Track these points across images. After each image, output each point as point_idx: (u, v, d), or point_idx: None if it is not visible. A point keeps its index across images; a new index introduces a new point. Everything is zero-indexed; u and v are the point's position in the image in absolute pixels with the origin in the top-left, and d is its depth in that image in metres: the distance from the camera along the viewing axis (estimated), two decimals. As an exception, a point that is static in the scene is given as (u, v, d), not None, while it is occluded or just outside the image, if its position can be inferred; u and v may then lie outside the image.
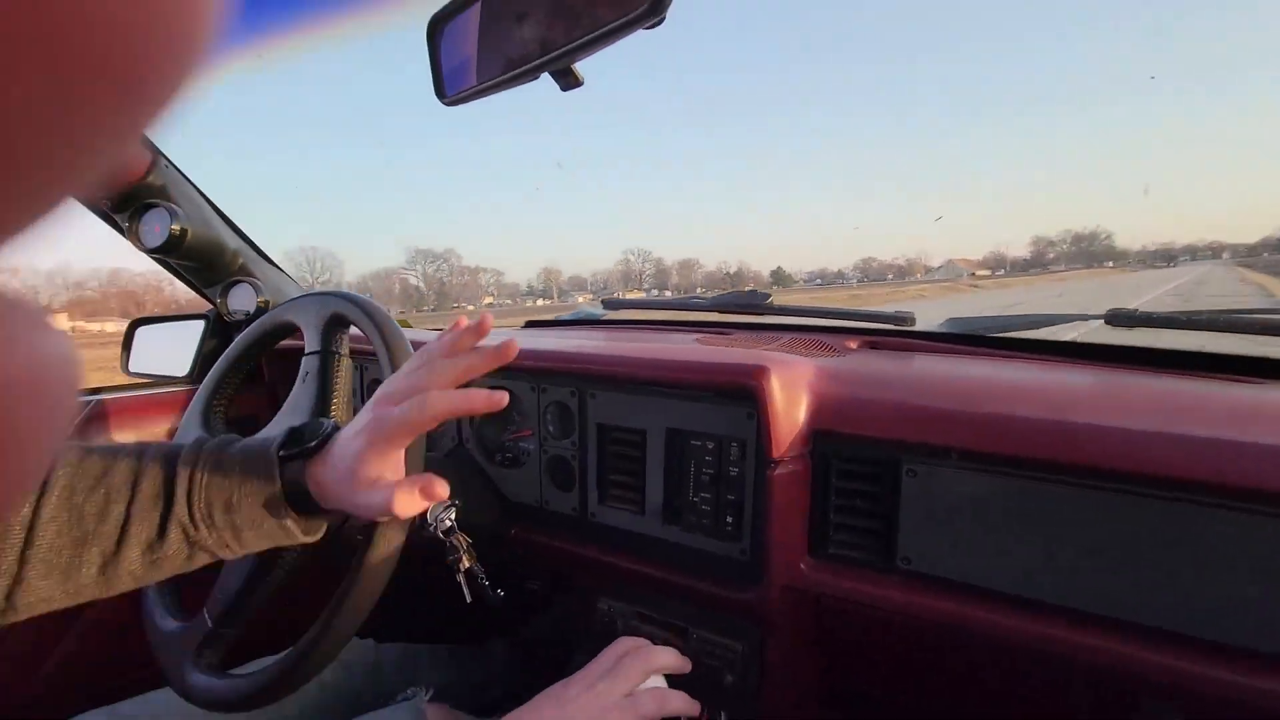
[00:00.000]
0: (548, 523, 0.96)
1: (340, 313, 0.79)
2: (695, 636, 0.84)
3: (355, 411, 0.73)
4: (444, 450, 1.07)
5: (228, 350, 0.85)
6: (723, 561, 0.80)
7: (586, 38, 0.45)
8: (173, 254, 1.02)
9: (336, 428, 0.59)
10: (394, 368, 0.69)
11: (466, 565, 0.88)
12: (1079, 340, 0.88)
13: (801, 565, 0.72)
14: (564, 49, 0.47)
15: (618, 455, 0.89)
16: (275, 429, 0.73)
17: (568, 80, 0.50)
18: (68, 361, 0.15)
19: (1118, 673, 0.57)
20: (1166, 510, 0.55)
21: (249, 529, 0.55)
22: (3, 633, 0.97)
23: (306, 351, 0.77)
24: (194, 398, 0.83)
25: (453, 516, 0.89)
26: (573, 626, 1.22)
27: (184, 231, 1.00)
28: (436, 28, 0.59)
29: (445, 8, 0.56)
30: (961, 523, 0.64)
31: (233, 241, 1.13)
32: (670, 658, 0.76)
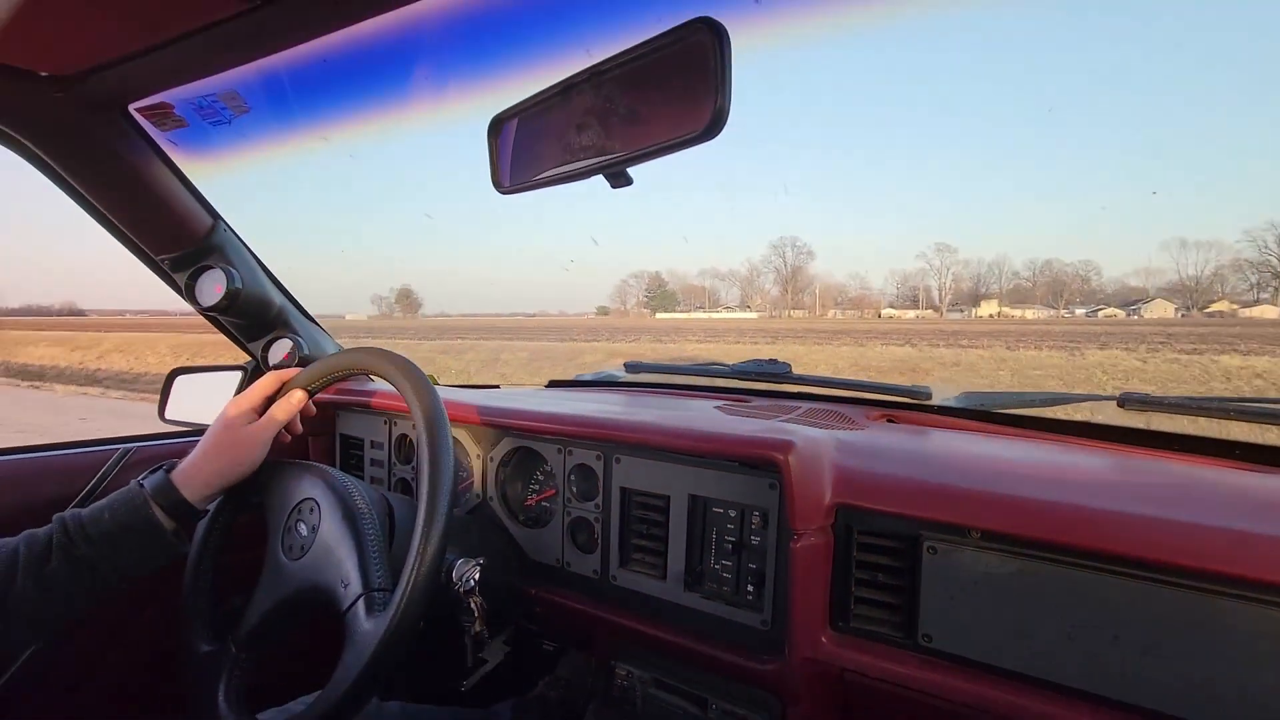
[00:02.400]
0: (568, 584, 0.97)
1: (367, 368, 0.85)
2: (714, 707, 0.84)
3: (375, 467, 0.77)
4: (468, 507, 1.09)
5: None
6: (743, 630, 0.81)
7: (642, 150, 0.50)
8: (226, 312, 1.08)
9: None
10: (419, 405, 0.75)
11: (477, 630, 0.89)
12: (1092, 421, 0.91)
13: (823, 638, 0.73)
14: (620, 158, 0.52)
15: (640, 519, 0.91)
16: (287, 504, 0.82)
17: (618, 181, 0.56)
18: None
19: None
20: (1186, 598, 0.56)
21: (121, 533, 0.65)
22: (44, 659, 0.98)
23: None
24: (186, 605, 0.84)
25: (476, 576, 0.91)
26: (583, 689, 1.21)
27: (238, 291, 1.06)
28: (498, 126, 0.65)
29: (508, 110, 0.62)
30: (982, 602, 0.65)
31: (277, 299, 1.19)
32: None
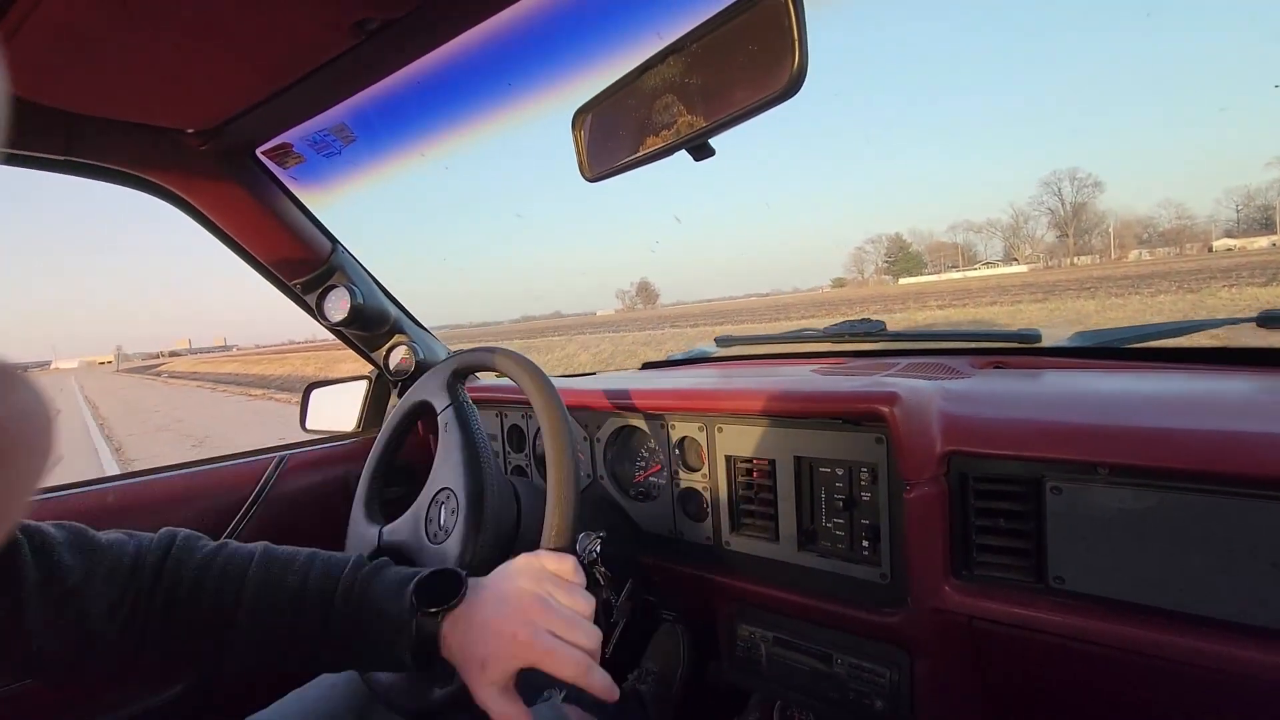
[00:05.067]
0: (683, 552, 1.01)
1: (459, 368, 0.92)
2: (840, 662, 0.85)
3: (493, 456, 0.84)
4: (581, 486, 1.15)
5: (376, 442, 0.98)
6: (862, 586, 0.82)
7: (724, 119, 0.52)
8: (350, 326, 1.20)
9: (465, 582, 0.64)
10: (542, 400, 0.79)
11: (606, 595, 0.95)
12: (1228, 346, 0.84)
13: (946, 587, 0.73)
14: (701, 131, 0.54)
15: (748, 485, 0.93)
16: (432, 486, 0.86)
17: (701, 153, 0.58)
18: (40, 415, 0.18)
19: None
20: None
21: (364, 642, 0.62)
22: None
23: (438, 410, 0.89)
24: (358, 489, 0.95)
25: (599, 549, 0.97)
26: (670, 681, 1.25)
27: (360, 306, 1.17)
28: (580, 118, 0.69)
29: (590, 101, 0.66)
30: (1117, 539, 0.63)
31: (393, 310, 1.30)
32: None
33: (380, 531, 0.88)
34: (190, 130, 0.90)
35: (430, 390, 0.94)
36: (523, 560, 0.68)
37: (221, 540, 0.67)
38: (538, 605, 0.61)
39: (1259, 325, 0.83)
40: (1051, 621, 0.66)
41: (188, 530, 0.66)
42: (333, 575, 0.64)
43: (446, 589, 0.63)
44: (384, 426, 0.98)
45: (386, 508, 0.93)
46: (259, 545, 0.67)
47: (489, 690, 0.58)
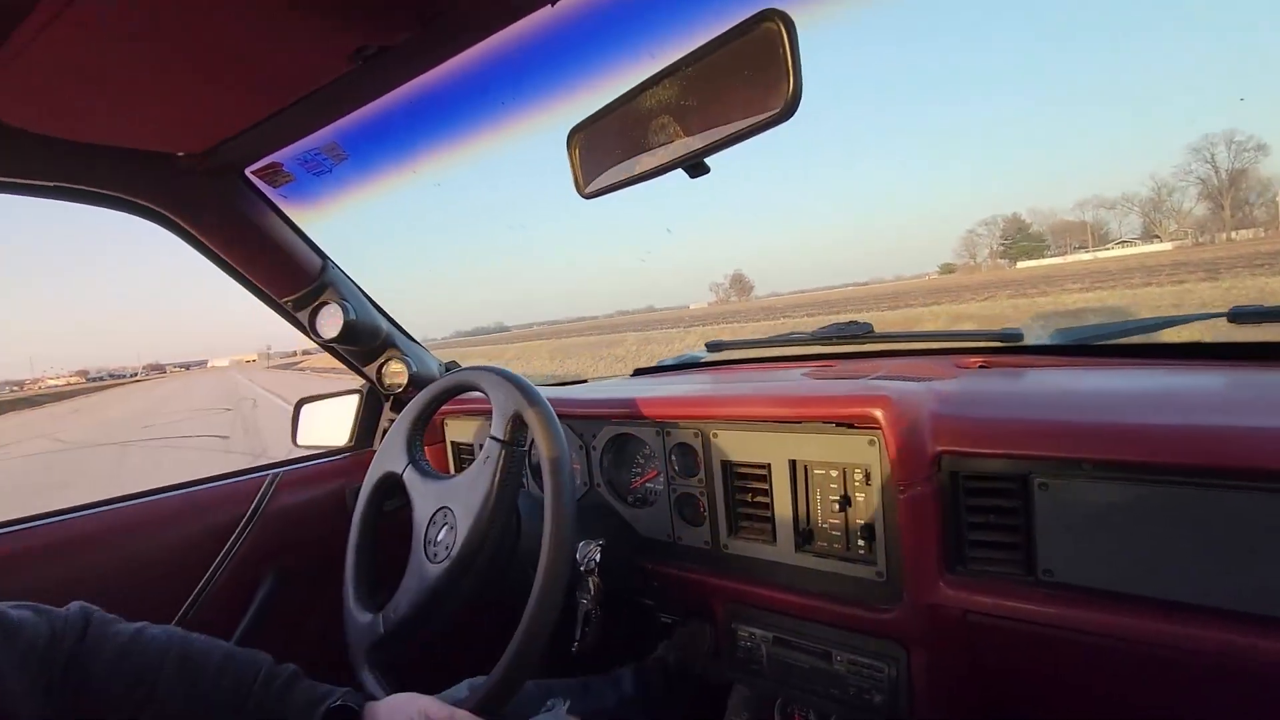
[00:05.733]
0: (682, 556, 1.03)
1: (419, 415, 0.96)
2: (839, 659, 0.87)
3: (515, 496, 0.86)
4: (577, 496, 1.16)
5: (352, 529, 0.99)
6: (859, 584, 0.84)
7: (719, 139, 0.54)
8: (343, 343, 1.20)
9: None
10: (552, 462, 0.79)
11: (589, 608, 0.97)
12: (1202, 341, 0.88)
13: (940, 583, 0.75)
14: (697, 151, 0.56)
15: (744, 489, 0.95)
16: (428, 508, 0.89)
17: (696, 171, 0.60)
18: None
19: None
20: None
21: None
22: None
23: (492, 435, 0.86)
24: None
25: (598, 557, 0.98)
26: (700, 649, 1.27)
27: (353, 322, 1.17)
28: (574, 136, 0.70)
29: (586, 119, 0.67)
30: (1102, 532, 0.66)
31: (385, 325, 1.30)
32: None
33: (380, 619, 0.88)
34: (180, 154, 0.90)
35: (391, 458, 0.98)
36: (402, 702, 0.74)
37: (139, 625, 0.69)
38: None
39: (1230, 321, 0.86)
40: (1042, 613, 0.69)
41: (100, 611, 0.68)
42: (245, 682, 0.69)
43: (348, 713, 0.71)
44: (357, 509, 0.99)
45: (376, 591, 0.95)
46: (175, 635, 0.71)
47: None
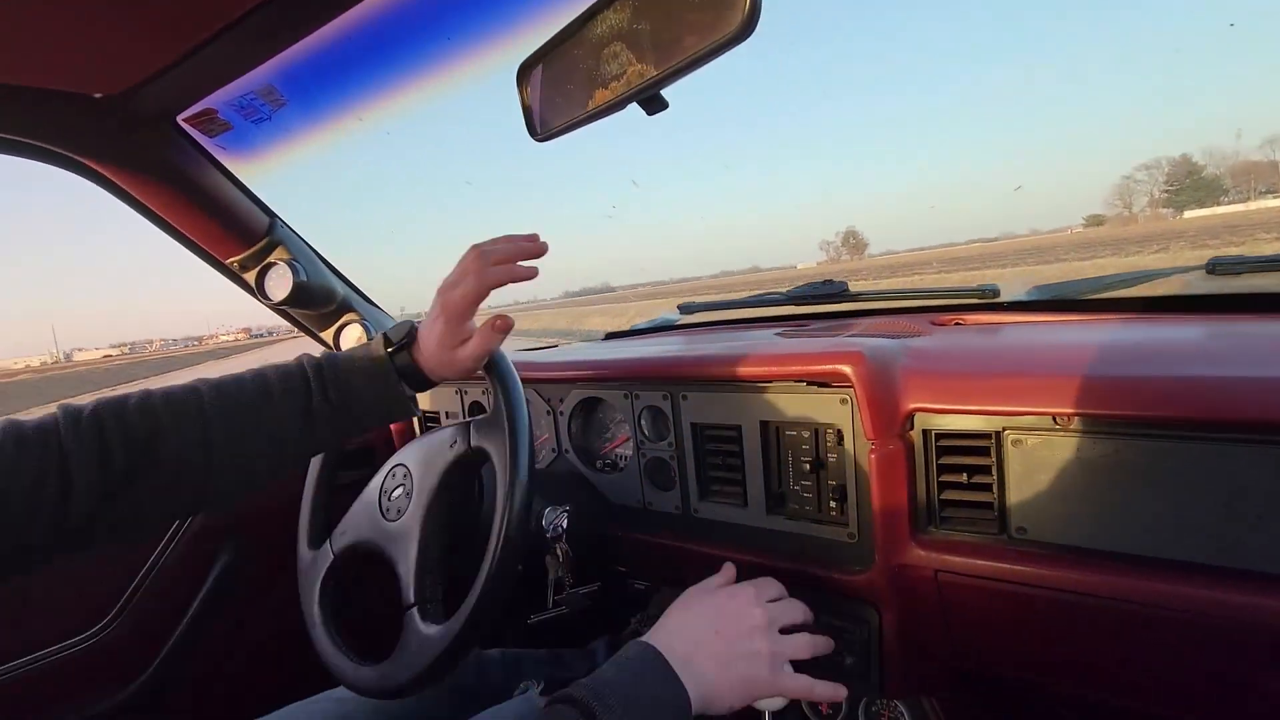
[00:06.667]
0: (652, 522, 1.00)
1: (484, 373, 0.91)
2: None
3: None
4: (545, 462, 1.13)
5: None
6: (831, 546, 0.82)
7: (675, 66, 0.49)
8: (295, 305, 1.14)
9: (415, 325, 0.74)
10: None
11: (558, 574, 0.95)
12: (1180, 294, 0.86)
13: (912, 543, 0.73)
14: (652, 80, 0.51)
15: (714, 452, 0.92)
16: (387, 466, 0.87)
17: (653, 105, 0.55)
18: None
19: (1259, 628, 0.56)
20: None
21: (373, 400, 0.70)
22: (177, 653, 1.09)
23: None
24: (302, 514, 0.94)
25: (565, 524, 0.95)
26: None
27: (304, 284, 1.11)
28: (526, 73, 0.65)
29: (534, 54, 0.62)
30: (1075, 487, 0.64)
31: (340, 287, 1.24)
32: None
33: (329, 544, 0.87)
34: (98, 95, 0.82)
35: None
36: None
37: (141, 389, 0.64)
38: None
39: (1208, 273, 0.84)
40: (1015, 571, 0.67)
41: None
42: (292, 371, 0.69)
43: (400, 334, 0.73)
44: (311, 467, 0.96)
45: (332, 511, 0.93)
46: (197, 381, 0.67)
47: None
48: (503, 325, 0.70)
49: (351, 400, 0.68)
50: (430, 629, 0.75)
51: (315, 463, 0.96)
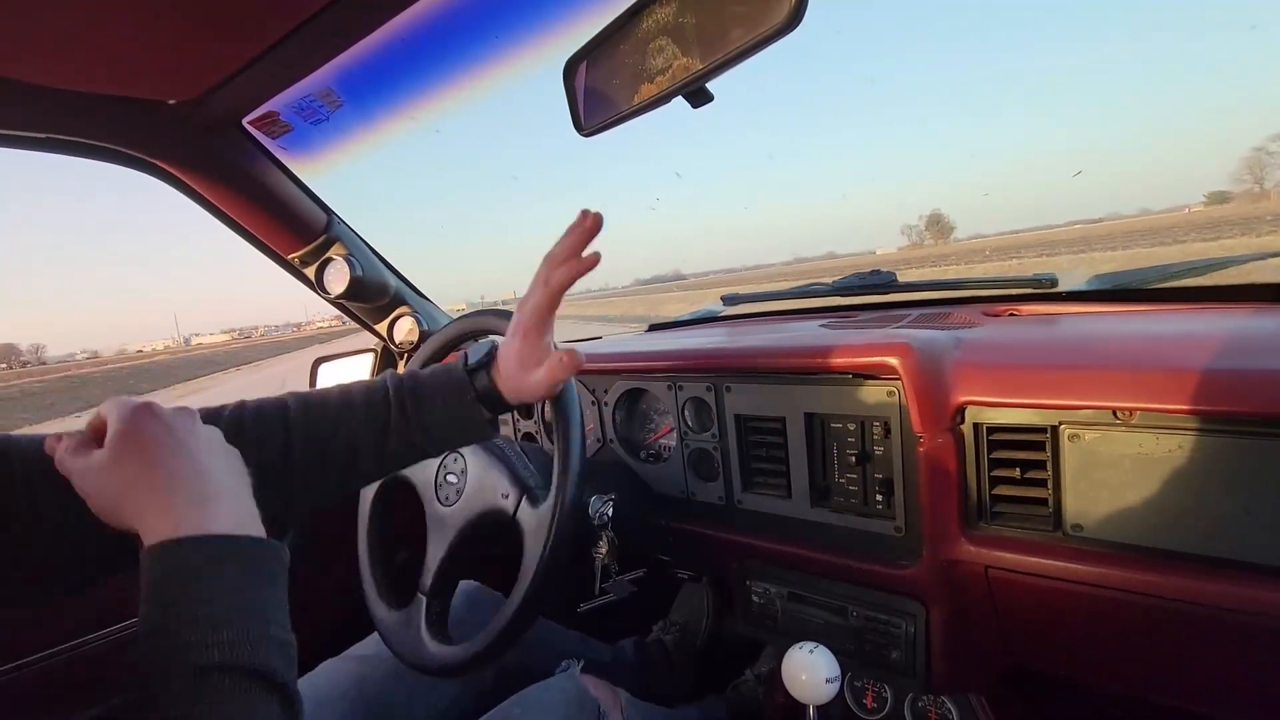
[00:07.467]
0: (695, 512, 1.01)
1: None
2: (855, 614, 0.85)
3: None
4: (591, 452, 1.15)
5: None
6: (877, 539, 0.81)
7: (722, 58, 0.49)
8: (352, 299, 1.19)
9: (495, 345, 0.73)
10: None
11: (606, 562, 0.96)
12: (1256, 282, 0.81)
13: (962, 538, 0.72)
14: (698, 74, 0.51)
15: (758, 444, 0.92)
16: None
17: (699, 99, 0.55)
18: None
19: None
20: None
21: (450, 421, 0.69)
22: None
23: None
24: (363, 576, 0.96)
25: (610, 512, 0.97)
26: (696, 632, 1.31)
27: (360, 278, 1.16)
28: (572, 68, 0.66)
29: (580, 50, 0.63)
30: (1136, 485, 0.62)
31: (393, 281, 1.29)
32: None
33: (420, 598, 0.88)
34: (172, 101, 0.87)
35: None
36: None
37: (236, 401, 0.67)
38: None
39: (1289, 259, 0.80)
40: (1070, 570, 0.65)
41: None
42: (375, 386, 0.70)
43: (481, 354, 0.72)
44: (361, 509, 0.98)
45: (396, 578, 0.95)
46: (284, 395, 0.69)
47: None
48: (570, 362, 0.67)
49: (429, 421, 0.68)
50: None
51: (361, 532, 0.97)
